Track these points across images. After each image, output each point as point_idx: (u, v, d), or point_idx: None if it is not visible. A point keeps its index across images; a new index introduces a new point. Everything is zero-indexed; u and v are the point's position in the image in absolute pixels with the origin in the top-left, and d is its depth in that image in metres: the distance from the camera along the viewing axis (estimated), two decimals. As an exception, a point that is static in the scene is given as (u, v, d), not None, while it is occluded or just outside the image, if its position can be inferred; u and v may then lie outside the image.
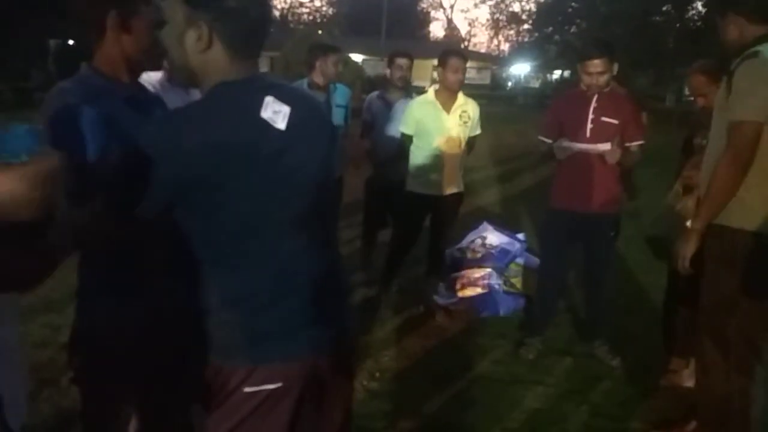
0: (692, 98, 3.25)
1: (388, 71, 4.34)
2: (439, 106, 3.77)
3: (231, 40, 1.25)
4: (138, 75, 1.61)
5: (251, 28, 1.27)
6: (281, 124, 1.26)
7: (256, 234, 1.27)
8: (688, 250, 2.35)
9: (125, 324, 1.54)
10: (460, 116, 3.79)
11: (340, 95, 4.19)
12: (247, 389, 1.27)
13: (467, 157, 4.02)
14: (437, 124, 3.76)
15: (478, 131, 3.98)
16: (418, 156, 3.84)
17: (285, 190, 1.27)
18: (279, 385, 1.28)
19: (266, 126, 1.24)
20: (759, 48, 2.17)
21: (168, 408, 1.75)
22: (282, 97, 1.28)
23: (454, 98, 3.80)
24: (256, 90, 1.28)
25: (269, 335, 1.30)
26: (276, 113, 1.26)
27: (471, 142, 3.96)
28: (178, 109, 1.32)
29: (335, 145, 1.47)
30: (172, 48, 1.27)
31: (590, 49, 3.25)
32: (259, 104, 1.24)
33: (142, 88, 1.65)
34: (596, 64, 3.18)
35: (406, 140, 3.87)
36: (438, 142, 3.76)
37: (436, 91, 3.83)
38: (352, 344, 1.59)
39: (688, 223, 2.29)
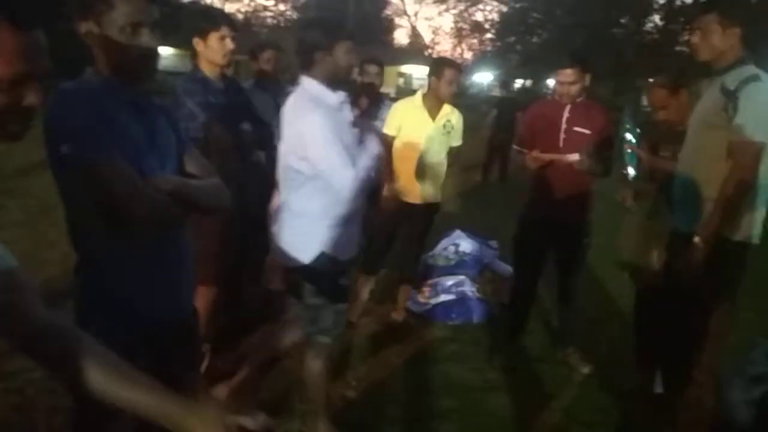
0: (650, 110, 3.34)
1: (359, 78, 4.18)
2: (426, 113, 3.69)
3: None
4: (144, 81, 1.57)
5: None
6: None
7: None
8: (693, 263, 2.40)
9: (126, 324, 1.53)
10: (444, 125, 3.72)
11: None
12: None
13: (450, 169, 3.90)
14: (420, 130, 3.68)
15: (460, 142, 3.86)
16: (396, 161, 3.71)
17: None
18: None
19: None
20: (757, 72, 2.31)
21: None
22: None
23: (440, 106, 3.72)
24: None
25: None
26: None
27: (453, 152, 3.84)
28: None
29: None
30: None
31: (563, 59, 3.32)
32: None
33: (146, 94, 1.61)
34: (567, 74, 3.24)
35: (388, 142, 3.65)
36: (418, 148, 3.67)
37: (424, 96, 3.74)
38: None
39: (696, 239, 2.38)
